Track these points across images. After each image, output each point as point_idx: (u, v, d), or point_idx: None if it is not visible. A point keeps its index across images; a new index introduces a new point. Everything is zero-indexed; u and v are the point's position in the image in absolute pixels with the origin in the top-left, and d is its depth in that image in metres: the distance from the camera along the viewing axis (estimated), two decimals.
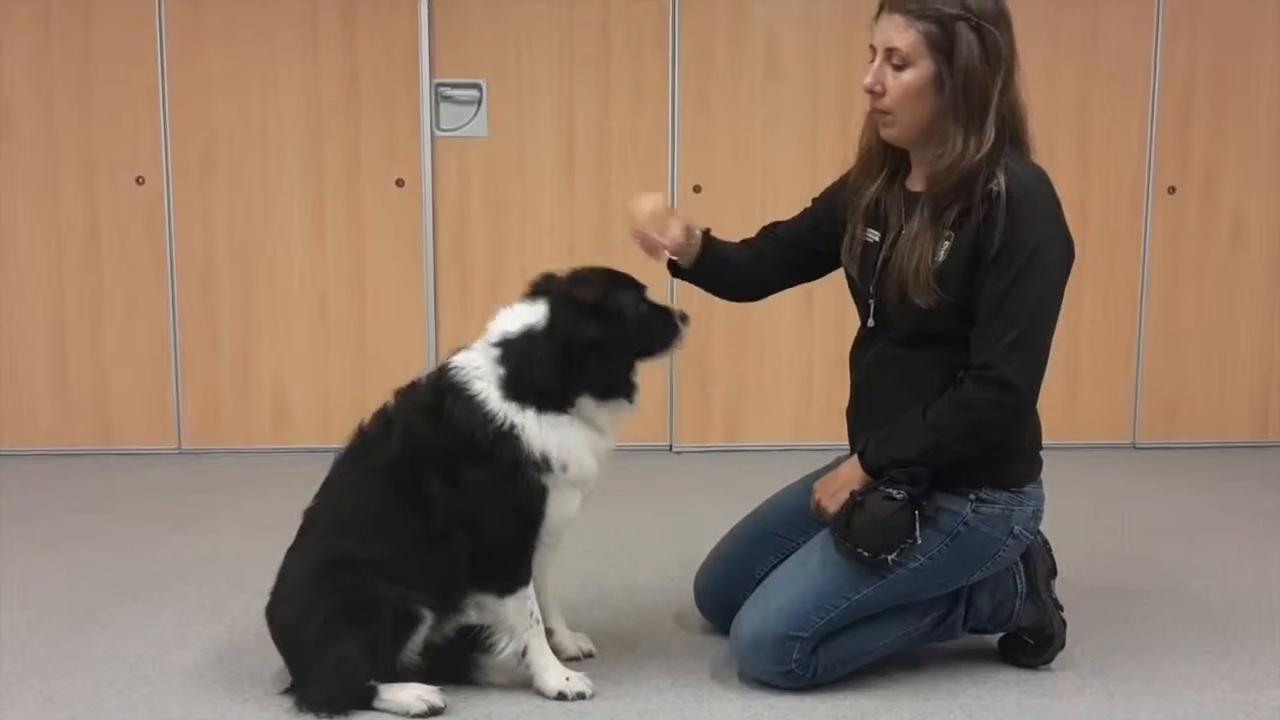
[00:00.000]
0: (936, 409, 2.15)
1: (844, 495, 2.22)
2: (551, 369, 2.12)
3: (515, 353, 2.14)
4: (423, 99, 4.10)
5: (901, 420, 2.19)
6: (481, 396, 2.13)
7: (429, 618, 2.16)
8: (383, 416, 2.23)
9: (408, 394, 2.24)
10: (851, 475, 2.24)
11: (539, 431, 2.12)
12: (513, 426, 2.11)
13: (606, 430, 2.22)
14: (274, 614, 2.21)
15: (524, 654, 2.21)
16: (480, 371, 2.15)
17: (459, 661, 2.26)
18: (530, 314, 2.17)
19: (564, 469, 2.15)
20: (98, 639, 2.52)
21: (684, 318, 2.31)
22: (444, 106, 4.13)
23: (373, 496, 2.16)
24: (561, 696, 2.20)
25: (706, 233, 2.44)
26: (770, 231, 2.49)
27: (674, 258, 2.42)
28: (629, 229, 2.34)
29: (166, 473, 3.99)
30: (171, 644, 2.49)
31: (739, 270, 2.47)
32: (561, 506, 2.19)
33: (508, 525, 2.15)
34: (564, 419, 2.15)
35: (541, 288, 2.23)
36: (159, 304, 4.17)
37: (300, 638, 2.14)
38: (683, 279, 2.48)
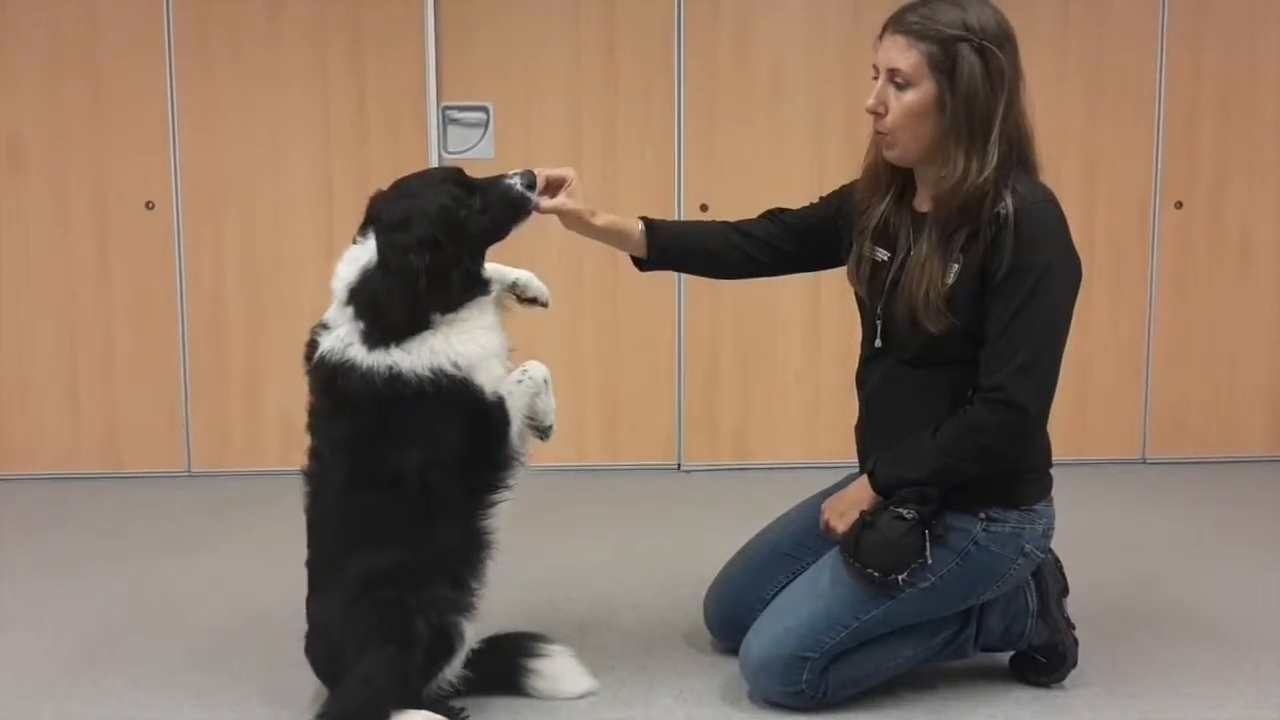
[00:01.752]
0: (946, 430, 2.15)
1: (853, 515, 2.22)
2: (397, 308, 2.10)
3: (362, 301, 2.13)
4: (430, 122, 4.12)
5: (911, 440, 2.19)
6: (357, 359, 2.12)
7: (466, 636, 2.16)
8: (310, 451, 2.24)
9: (313, 417, 2.24)
10: (860, 495, 2.24)
11: (415, 358, 2.11)
12: (390, 368, 2.10)
13: (471, 317, 2.18)
14: (314, 652, 2.21)
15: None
16: (344, 335, 2.14)
17: (507, 669, 2.29)
18: (364, 253, 2.15)
19: (454, 365, 2.12)
20: (107, 662, 2.52)
21: (529, 184, 2.25)
22: (451, 129, 4.15)
23: (358, 507, 2.15)
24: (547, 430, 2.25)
25: (649, 225, 2.41)
26: (777, 216, 2.46)
27: (635, 255, 2.42)
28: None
29: (176, 496, 3.99)
30: (181, 667, 2.49)
31: (712, 255, 2.44)
32: (489, 380, 2.17)
33: (462, 430, 2.14)
34: (428, 332, 2.13)
35: (370, 217, 2.19)
36: (169, 327, 4.19)
37: (343, 665, 2.13)
38: (649, 271, 2.47)
